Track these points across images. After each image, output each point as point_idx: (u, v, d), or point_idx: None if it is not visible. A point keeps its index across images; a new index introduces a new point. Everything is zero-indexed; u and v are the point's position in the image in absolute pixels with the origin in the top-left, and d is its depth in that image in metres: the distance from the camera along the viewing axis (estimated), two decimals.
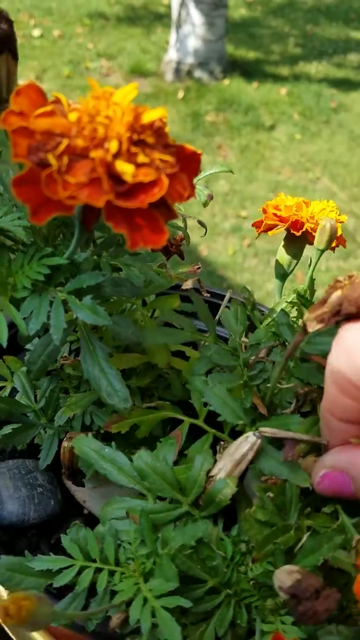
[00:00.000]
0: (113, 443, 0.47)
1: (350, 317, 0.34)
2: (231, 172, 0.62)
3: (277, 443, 0.43)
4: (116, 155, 0.31)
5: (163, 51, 2.90)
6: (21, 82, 0.34)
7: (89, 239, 0.44)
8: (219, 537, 0.39)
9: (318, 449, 0.41)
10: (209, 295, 0.64)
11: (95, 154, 0.30)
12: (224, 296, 0.64)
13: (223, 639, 0.37)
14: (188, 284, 0.63)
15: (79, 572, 0.40)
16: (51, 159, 0.30)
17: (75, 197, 0.30)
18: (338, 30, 3.68)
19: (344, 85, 3.08)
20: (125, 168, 0.30)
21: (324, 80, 3.12)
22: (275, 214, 0.54)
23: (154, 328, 0.56)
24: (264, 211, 0.55)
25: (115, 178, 0.31)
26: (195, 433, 0.48)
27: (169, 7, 2.82)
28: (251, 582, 0.39)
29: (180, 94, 2.68)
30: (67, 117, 0.32)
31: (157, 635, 0.35)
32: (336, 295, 0.34)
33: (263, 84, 2.95)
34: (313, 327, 0.35)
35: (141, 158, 0.30)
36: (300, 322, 0.50)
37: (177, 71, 2.79)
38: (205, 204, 0.56)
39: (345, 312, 0.34)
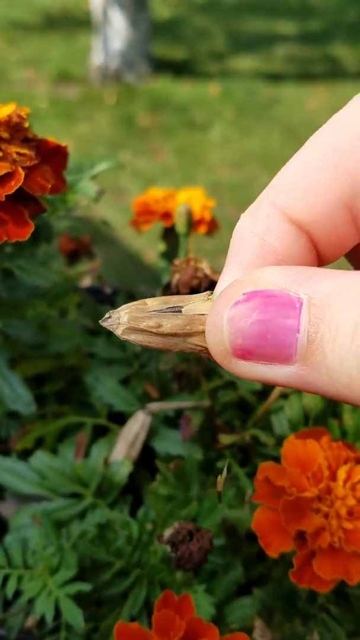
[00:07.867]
0: (13, 453, 0.46)
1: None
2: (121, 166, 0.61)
3: (172, 424, 0.45)
4: None
5: (88, 57, 2.80)
6: None
7: None
8: (124, 519, 0.40)
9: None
10: (111, 292, 0.64)
11: None
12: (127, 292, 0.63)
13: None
14: (86, 283, 0.64)
15: None
16: None
17: None
18: (263, 24, 3.66)
19: (273, 79, 3.06)
20: None
21: (254, 75, 3.09)
22: (146, 209, 0.55)
23: (64, 330, 0.55)
24: (135, 208, 0.56)
25: None
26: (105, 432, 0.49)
27: (89, 12, 2.72)
28: (161, 559, 0.40)
29: (110, 99, 2.59)
30: None
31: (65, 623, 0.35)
32: (174, 279, 0.36)
33: (193, 83, 2.91)
34: None
35: None
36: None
37: (105, 76, 2.70)
38: (95, 200, 0.56)
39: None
